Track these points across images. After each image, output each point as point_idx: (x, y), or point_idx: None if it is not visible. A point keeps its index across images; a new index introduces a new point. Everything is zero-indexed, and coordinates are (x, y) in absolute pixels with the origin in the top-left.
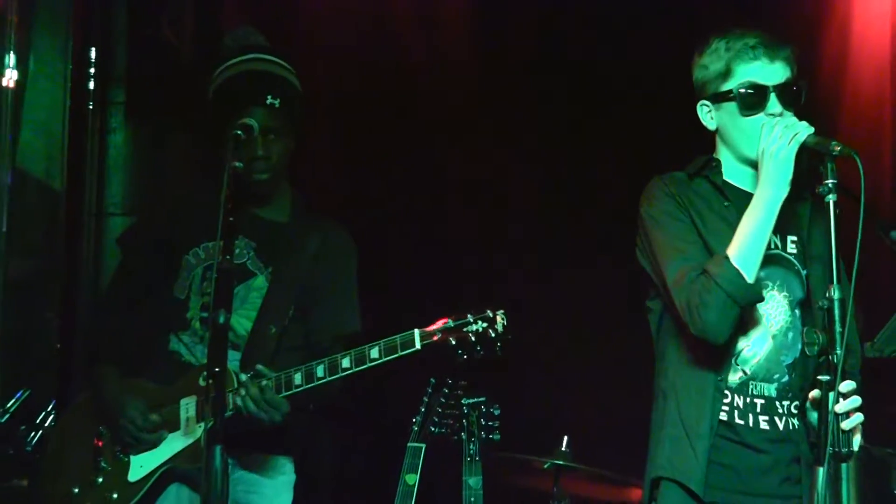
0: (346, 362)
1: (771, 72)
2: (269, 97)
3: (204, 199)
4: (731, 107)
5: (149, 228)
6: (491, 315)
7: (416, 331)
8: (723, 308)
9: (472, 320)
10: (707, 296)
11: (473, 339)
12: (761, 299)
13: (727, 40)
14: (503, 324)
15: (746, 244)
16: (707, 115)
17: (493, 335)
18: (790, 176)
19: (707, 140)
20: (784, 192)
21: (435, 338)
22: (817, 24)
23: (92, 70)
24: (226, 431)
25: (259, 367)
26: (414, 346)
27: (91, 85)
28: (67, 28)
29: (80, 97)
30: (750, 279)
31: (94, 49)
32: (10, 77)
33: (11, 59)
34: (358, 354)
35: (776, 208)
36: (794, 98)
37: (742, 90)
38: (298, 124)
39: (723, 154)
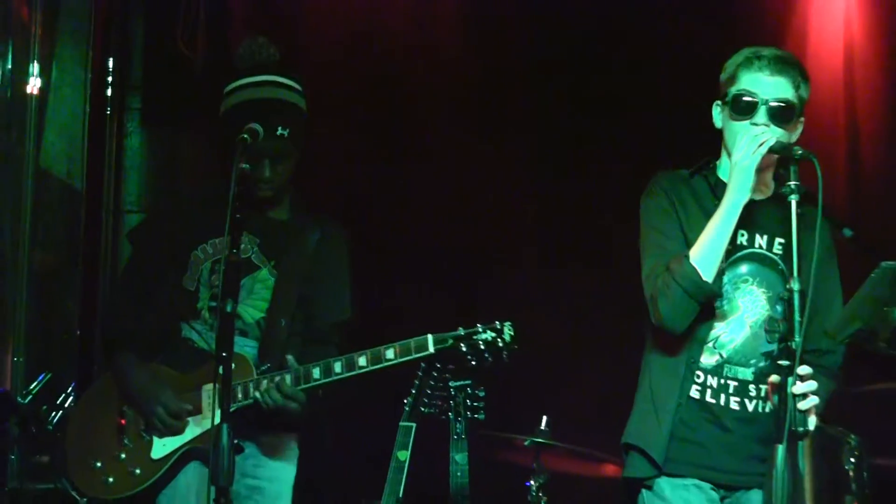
0: (362, 361)
1: (769, 85)
2: (279, 128)
3: (211, 197)
4: (727, 109)
5: (157, 224)
6: (499, 326)
7: (430, 336)
8: (679, 302)
9: (481, 330)
10: (666, 290)
11: (483, 347)
12: (718, 295)
13: (743, 51)
14: (511, 334)
15: (706, 245)
16: (718, 114)
17: (500, 345)
18: (751, 183)
19: (708, 141)
20: (744, 197)
21: (447, 343)
22: (776, 42)
23: (110, 78)
24: (243, 416)
25: (289, 357)
26: (427, 349)
27: (109, 92)
28: (87, 39)
29: (99, 103)
30: (707, 277)
31: (112, 59)
32: (35, 85)
33: (35, 68)
34: (374, 354)
35: (736, 212)
36: (785, 117)
37: (736, 95)
38: (302, 144)
39: (723, 153)
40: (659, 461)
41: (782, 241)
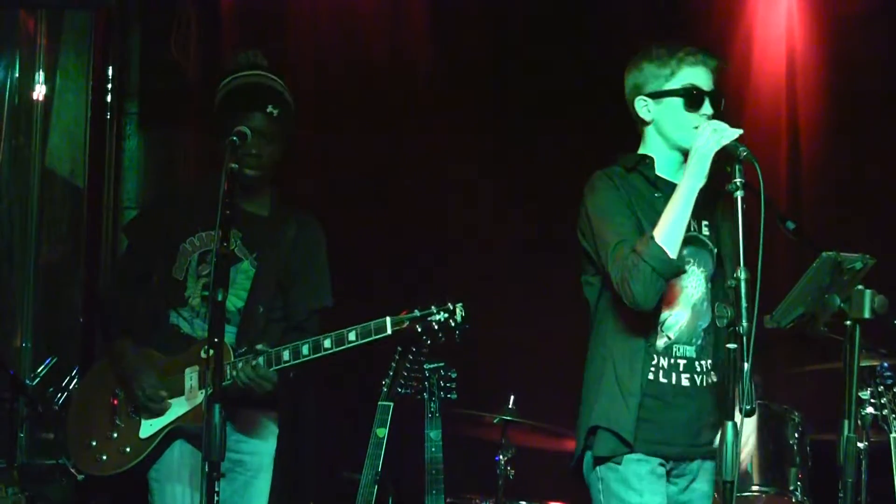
0: (327, 343)
1: (707, 79)
2: (269, 106)
3: (199, 193)
4: (673, 102)
5: (150, 219)
6: (451, 307)
7: (388, 318)
8: (649, 280)
9: (435, 311)
10: (636, 271)
11: (436, 327)
12: (683, 271)
13: (667, 48)
14: (462, 314)
15: (669, 225)
16: (644, 108)
17: (453, 324)
18: (707, 170)
19: (633, 136)
20: (701, 182)
21: (404, 325)
22: (722, 46)
23: (110, 85)
24: (224, 396)
25: (259, 346)
26: (386, 331)
27: (109, 98)
28: (88, 50)
29: (100, 108)
30: (672, 255)
31: (111, 68)
32: (40, 92)
33: (41, 76)
34: (338, 336)
35: (694, 196)
36: (721, 104)
37: (686, 90)
38: (289, 134)
39: (653, 145)
40: (629, 440)
41: (707, 223)
